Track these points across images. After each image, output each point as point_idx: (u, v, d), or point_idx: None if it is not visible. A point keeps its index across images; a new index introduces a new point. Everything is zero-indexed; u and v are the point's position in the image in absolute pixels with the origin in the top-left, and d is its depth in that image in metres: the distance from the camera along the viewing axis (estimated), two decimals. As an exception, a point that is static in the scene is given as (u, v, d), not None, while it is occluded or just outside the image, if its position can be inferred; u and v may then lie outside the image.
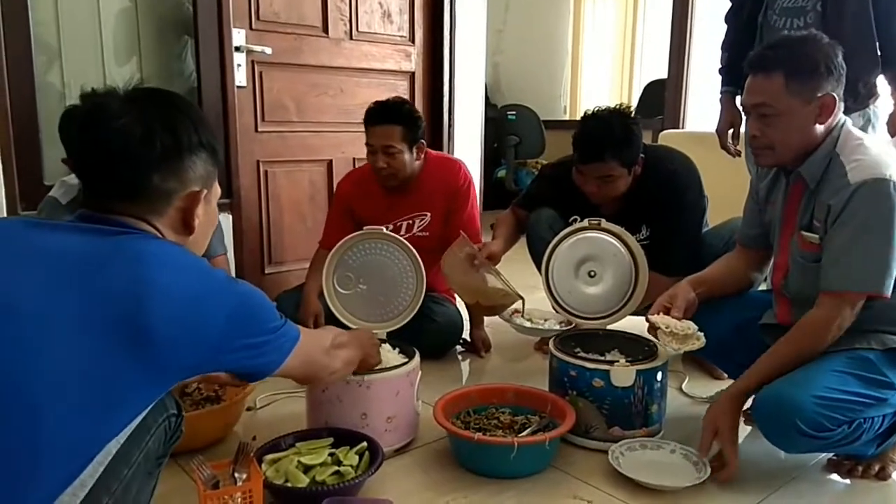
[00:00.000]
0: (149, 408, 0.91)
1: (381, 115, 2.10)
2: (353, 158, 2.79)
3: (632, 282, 1.88)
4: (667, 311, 1.56)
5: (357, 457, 1.38)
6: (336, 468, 1.34)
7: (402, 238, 1.79)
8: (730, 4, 2.21)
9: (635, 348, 1.70)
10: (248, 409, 1.76)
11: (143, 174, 0.92)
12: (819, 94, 1.38)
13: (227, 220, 2.49)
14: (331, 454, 1.39)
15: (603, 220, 1.90)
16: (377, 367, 1.51)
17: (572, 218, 2.06)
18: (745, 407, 1.73)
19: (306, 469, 1.34)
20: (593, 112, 1.97)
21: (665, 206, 1.98)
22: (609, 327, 1.89)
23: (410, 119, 2.12)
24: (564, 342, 1.72)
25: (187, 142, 0.95)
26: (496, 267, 2.00)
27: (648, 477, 1.40)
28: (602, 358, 1.66)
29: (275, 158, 2.65)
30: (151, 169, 0.92)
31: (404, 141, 2.09)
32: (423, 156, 2.18)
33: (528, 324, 1.98)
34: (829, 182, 1.40)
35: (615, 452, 1.49)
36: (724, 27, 2.26)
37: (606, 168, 1.91)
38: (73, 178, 1.87)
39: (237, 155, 2.49)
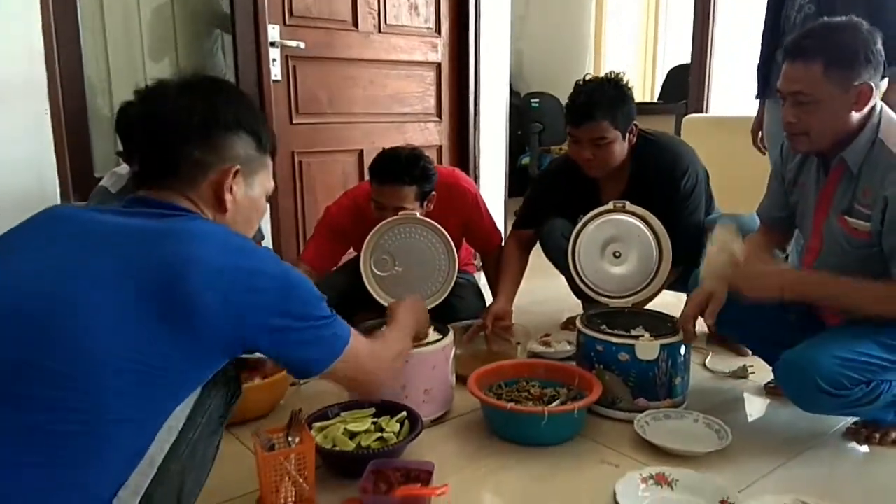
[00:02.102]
0: (205, 380, 0.98)
1: (394, 174, 1.95)
2: (383, 148, 2.86)
3: (656, 262, 1.94)
4: (702, 311, 1.59)
5: (398, 425, 1.48)
6: (379, 434, 1.44)
7: (435, 223, 1.87)
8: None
9: (659, 325, 1.77)
10: (293, 384, 1.87)
11: (180, 142, 0.98)
12: (856, 83, 1.39)
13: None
14: (373, 422, 1.49)
15: (627, 203, 1.95)
16: (417, 343, 1.61)
17: (578, 215, 2.09)
18: (770, 382, 1.81)
19: (352, 435, 1.44)
20: (584, 80, 2.03)
21: (664, 198, 2.01)
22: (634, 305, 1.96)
23: (425, 176, 1.98)
24: (591, 320, 1.80)
25: (224, 119, 1.01)
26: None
27: (673, 443, 1.48)
28: (627, 334, 1.73)
29: (309, 149, 2.76)
30: (188, 138, 0.98)
31: (417, 200, 1.98)
32: (433, 204, 2.05)
33: (540, 348, 2.07)
34: (876, 169, 1.41)
35: (641, 421, 1.57)
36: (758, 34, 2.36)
37: (600, 128, 1.94)
38: (123, 169, 1.99)
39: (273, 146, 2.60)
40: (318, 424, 1.48)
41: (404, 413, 1.51)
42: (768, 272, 1.49)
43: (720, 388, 1.90)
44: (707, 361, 2.03)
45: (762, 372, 1.88)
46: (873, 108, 1.44)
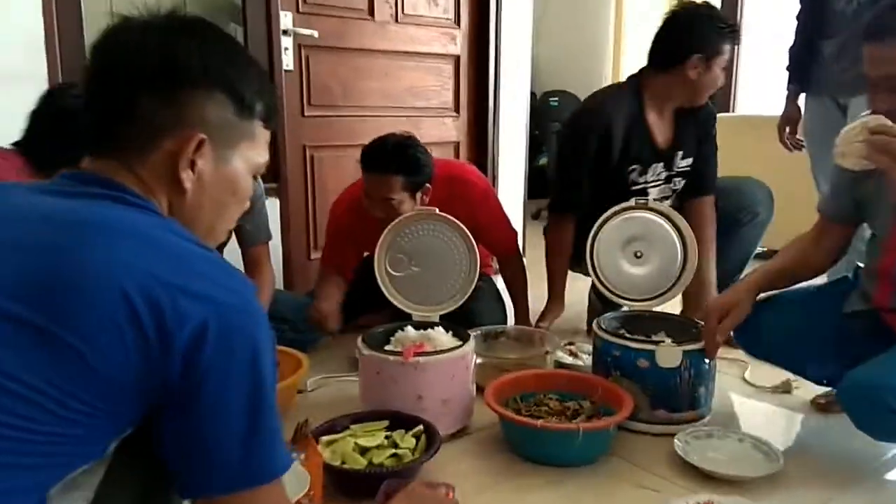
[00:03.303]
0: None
1: (379, 162, 1.82)
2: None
3: (680, 265, 1.81)
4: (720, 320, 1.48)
5: (414, 440, 1.35)
6: (393, 451, 1.31)
7: (454, 219, 1.74)
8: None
9: (683, 330, 1.65)
10: (300, 391, 1.74)
11: (127, 95, 0.73)
12: None
13: (273, 204, 2.48)
14: (387, 437, 1.36)
15: (650, 200, 1.87)
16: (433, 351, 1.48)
17: (632, 167, 2.04)
18: (818, 396, 1.67)
19: (363, 451, 1.31)
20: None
21: (699, 137, 2.12)
22: (656, 309, 1.82)
23: (414, 166, 1.83)
24: (609, 323, 1.67)
25: (189, 69, 0.74)
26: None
27: (718, 466, 1.34)
28: (647, 339, 1.61)
29: (321, 143, 2.63)
30: (138, 90, 0.73)
31: (406, 191, 1.83)
32: (428, 197, 1.91)
33: (567, 359, 1.92)
34: None
35: (680, 440, 1.43)
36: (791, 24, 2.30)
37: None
38: None
39: (284, 139, 2.48)
40: (325, 438, 1.34)
41: (421, 427, 1.38)
42: None
43: (763, 403, 1.75)
44: (747, 374, 1.87)
45: (807, 385, 1.73)
46: None
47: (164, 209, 0.77)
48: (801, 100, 2.34)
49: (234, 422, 0.67)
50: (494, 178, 3.14)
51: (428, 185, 1.90)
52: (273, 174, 2.46)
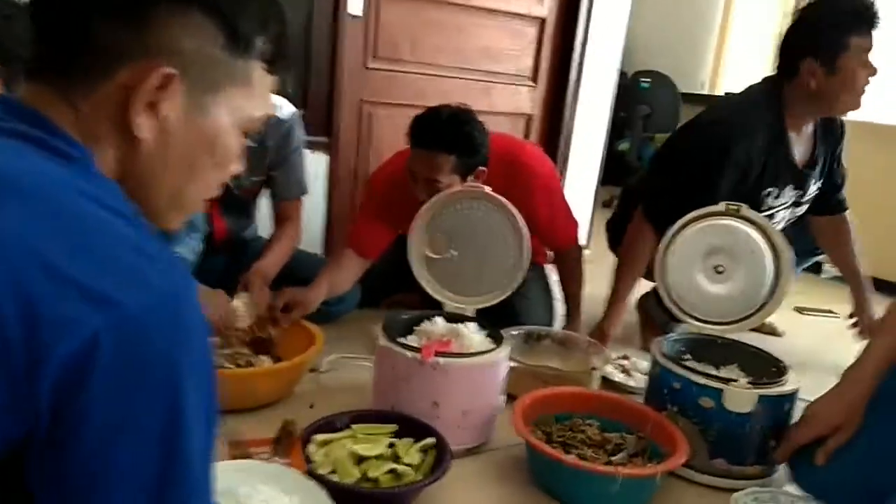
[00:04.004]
0: None
1: (429, 137, 1.61)
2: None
3: (769, 288, 1.52)
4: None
5: (420, 455, 1.16)
6: (393, 465, 1.12)
7: (507, 202, 1.52)
8: None
9: (759, 366, 1.40)
10: (312, 370, 1.58)
11: (79, 4, 0.55)
12: None
13: (322, 160, 2.31)
14: (390, 445, 1.17)
15: (743, 207, 1.55)
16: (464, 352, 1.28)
17: (768, 190, 1.79)
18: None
19: (359, 460, 1.13)
20: None
21: (832, 152, 1.89)
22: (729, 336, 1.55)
23: (468, 145, 1.62)
24: (671, 346, 1.43)
25: None
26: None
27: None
28: (715, 373, 1.36)
29: (380, 100, 2.43)
30: (90, 2, 0.55)
31: (456, 173, 1.62)
32: (481, 182, 1.66)
33: (618, 376, 1.67)
34: None
35: (740, 501, 1.18)
36: None
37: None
38: None
39: (340, 91, 2.29)
40: (320, 437, 1.17)
41: (432, 440, 1.18)
42: None
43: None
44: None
45: None
46: None
47: (110, 163, 0.57)
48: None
49: (130, 487, 0.47)
50: (564, 160, 2.87)
51: (482, 167, 1.67)
52: (325, 128, 2.29)
